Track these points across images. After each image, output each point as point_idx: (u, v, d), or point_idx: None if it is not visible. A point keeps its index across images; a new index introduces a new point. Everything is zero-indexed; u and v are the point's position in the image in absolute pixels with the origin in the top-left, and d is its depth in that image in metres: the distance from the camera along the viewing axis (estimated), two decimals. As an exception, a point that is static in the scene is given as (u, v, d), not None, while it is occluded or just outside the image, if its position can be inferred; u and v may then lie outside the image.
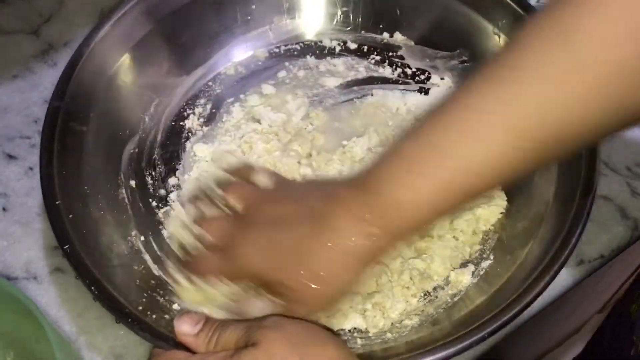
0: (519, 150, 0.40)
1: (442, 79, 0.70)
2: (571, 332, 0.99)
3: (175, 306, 0.54)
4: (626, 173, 0.65)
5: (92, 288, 0.50)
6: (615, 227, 0.62)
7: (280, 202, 0.49)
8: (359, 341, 0.53)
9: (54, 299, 0.56)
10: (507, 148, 0.40)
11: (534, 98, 0.39)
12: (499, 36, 0.65)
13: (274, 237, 0.47)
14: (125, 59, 0.64)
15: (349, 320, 0.54)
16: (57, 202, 0.53)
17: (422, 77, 0.71)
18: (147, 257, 0.58)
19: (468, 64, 0.69)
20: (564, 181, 0.56)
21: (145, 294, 0.53)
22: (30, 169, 0.64)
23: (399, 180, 0.43)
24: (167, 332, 0.48)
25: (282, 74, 0.70)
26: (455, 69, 0.69)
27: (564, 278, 0.59)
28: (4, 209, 0.62)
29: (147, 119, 0.66)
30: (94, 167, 0.60)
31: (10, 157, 0.65)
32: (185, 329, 0.47)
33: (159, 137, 0.66)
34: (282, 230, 0.47)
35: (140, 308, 0.51)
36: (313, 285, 0.45)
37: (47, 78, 0.70)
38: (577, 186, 0.54)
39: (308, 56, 0.72)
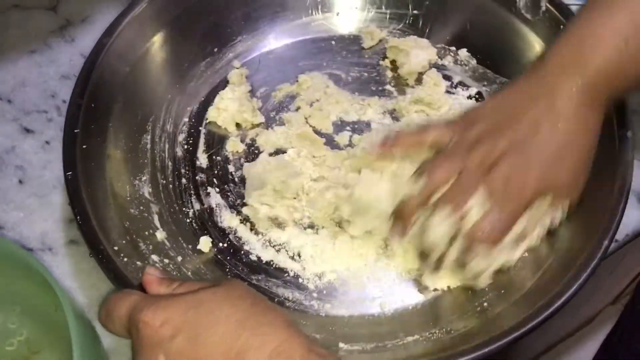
0: None
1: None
2: (582, 323, 0.97)
3: (154, 257, 0.55)
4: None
5: (78, 217, 0.51)
6: (631, 212, 0.59)
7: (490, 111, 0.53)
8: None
9: (68, 271, 0.57)
10: None
11: None
12: None
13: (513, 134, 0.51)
14: (183, 15, 0.66)
15: None
16: (75, 131, 0.55)
17: (477, 97, 0.68)
18: (153, 206, 0.59)
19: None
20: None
21: (128, 237, 0.54)
22: (47, 142, 0.64)
23: (609, 38, 0.49)
24: (131, 278, 0.49)
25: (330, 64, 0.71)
26: None
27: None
28: (20, 182, 0.62)
29: (193, 76, 0.68)
30: (125, 107, 0.62)
31: (28, 130, 0.66)
32: (155, 271, 0.48)
33: (200, 97, 0.68)
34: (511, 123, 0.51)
35: (116, 248, 0.52)
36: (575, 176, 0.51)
37: (65, 53, 0.71)
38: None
39: (364, 52, 0.71)
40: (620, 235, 0.58)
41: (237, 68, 0.69)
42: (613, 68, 0.49)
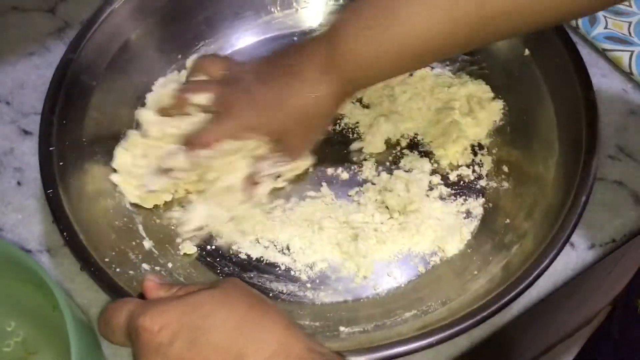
0: (461, 20, 0.47)
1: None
2: (582, 323, 0.98)
3: (145, 265, 0.55)
4: (641, 159, 0.65)
5: (64, 234, 0.51)
6: (628, 212, 0.61)
7: (255, 67, 0.57)
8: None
9: (67, 272, 0.57)
10: (454, 15, 0.47)
11: None
12: (523, 50, 0.64)
13: (257, 95, 0.54)
14: (146, 25, 0.66)
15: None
16: (50, 148, 0.55)
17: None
18: (135, 216, 0.59)
19: (487, 72, 0.67)
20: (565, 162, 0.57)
21: (117, 249, 0.54)
22: None
23: (357, 35, 0.50)
24: (126, 287, 0.49)
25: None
26: (473, 74, 0.68)
27: (575, 262, 0.58)
28: (19, 183, 0.62)
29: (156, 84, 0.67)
30: (97, 121, 0.61)
31: (26, 132, 0.65)
32: (154, 277, 0.49)
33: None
34: (263, 88, 0.54)
35: (107, 260, 0.52)
36: (292, 130, 0.54)
37: None
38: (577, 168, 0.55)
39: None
40: (618, 235, 0.60)
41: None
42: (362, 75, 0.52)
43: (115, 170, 0.60)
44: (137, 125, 0.62)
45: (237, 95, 0.55)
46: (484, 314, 0.48)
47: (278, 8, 0.72)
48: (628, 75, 0.69)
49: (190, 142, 0.55)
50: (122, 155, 0.60)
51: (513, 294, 0.49)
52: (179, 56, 0.69)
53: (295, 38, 0.72)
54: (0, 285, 0.50)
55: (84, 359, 0.41)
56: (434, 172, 0.63)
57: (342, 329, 0.52)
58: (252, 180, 0.57)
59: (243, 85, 0.55)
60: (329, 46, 0.51)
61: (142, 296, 0.48)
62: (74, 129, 0.58)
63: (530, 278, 0.49)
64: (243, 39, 0.71)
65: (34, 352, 0.51)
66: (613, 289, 0.87)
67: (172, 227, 0.59)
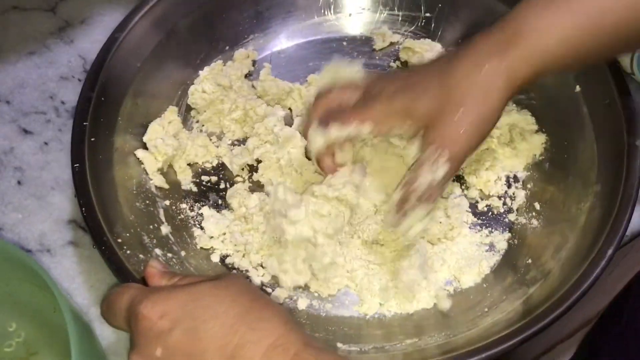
0: None
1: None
2: (583, 323, 0.96)
3: (157, 251, 0.55)
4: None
5: (83, 209, 0.52)
6: None
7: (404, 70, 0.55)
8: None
9: (67, 272, 0.57)
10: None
11: None
12: (575, 86, 0.61)
13: (411, 79, 0.51)
14: (196, 12, 0.66)
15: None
16: (84, 124, 0.56)
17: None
18: (159, 200, 0.60)
19: (534, 102, 0.64)
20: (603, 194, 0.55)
21: (132, 230, 0.55)
22: (46, 143, 0.64)
23: (534, 12, 0.47)
24: (133, 271, 0.50)
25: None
26: (520, 103, 0.65)
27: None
28: (19, 183, 0.62)
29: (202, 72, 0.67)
30: (135, 102, 0.62)
31: (26, 132, 0.65)
32: (157, 264, 0.49)
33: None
34: (417, 75, 0.51)
35: (120, 240, 0.52)
36: (450, 112, 0.47)
37: (64, 55, 0.71)
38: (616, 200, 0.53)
39: (375, 53, 0.71)
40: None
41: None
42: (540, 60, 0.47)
43: (144, 146, 0.61)
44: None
45: (388, 82, 0.51)
46: (485, 354, 0.46)
47: (331, 11, 0.71)
48: (629, 75, 0.67)
49: (333, 117, 0.53)
50: (155, 130, 0.61)
51: (521, 337, 0.48)
52: (227, 47, 0.69)
53: (344, 43, 0.71)
54: (1, 285, 0.50)
55: (83, 359, 0.41)
56: (462, 197, 0.61)
57: (339, 345, 0.51)
58: (401, 207, 0.49)
59: (393, 76, 0.52)
60: (506, 27, 0.48)
61: (144, 280, 0.49)
62: (111, 107, 0.59)
63: (540, 325, 0.48)
64: (292, 37, 0.71)
65: (35, 353, 0.52)
66: (613, 289, 0.85)
67: (192, 217, 0.60)
